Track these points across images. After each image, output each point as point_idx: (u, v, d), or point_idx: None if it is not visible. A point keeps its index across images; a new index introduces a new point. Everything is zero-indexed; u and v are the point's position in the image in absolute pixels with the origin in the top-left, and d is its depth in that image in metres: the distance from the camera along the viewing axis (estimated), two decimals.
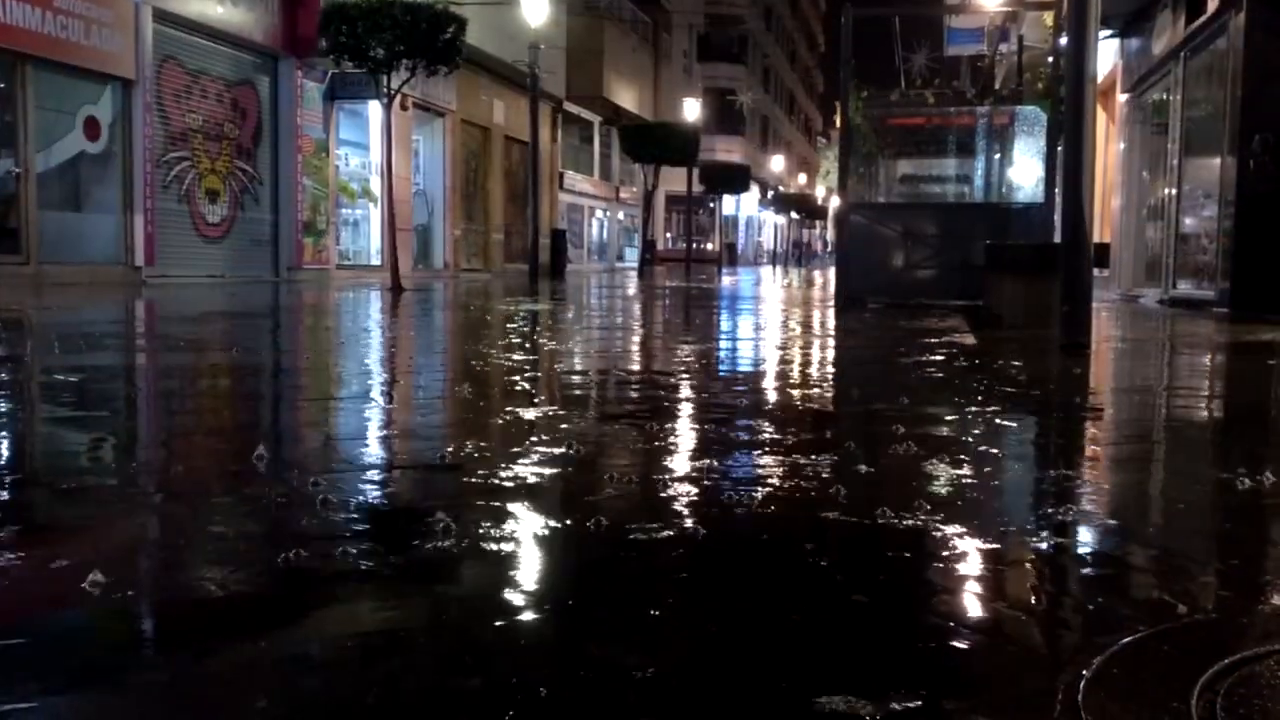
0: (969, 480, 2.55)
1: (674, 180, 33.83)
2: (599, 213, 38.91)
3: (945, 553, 1.98)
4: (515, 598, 1.67)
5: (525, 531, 2.05)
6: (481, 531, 2.02)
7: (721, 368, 5.60)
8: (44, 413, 3.71)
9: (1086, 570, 1.93)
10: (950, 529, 2.11)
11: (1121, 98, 15.68)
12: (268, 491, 2.38)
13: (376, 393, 4.27)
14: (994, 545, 2.04)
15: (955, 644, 1.51)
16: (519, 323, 8.62)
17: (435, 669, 1.41)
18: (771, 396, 4.40)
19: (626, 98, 34.58)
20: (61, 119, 14.01)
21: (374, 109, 19.36)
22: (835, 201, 20.57)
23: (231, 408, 4.19)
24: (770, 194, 58.58)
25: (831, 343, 7.59)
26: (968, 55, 27.00)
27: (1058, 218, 8.11)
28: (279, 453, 2.95)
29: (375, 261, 21.03)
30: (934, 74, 25.00)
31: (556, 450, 2.86)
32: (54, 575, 1.79)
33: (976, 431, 3.34)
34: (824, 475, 2.59)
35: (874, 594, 1.72)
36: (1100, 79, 8.30)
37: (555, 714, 1.27)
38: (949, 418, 3.57)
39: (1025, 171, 12.13)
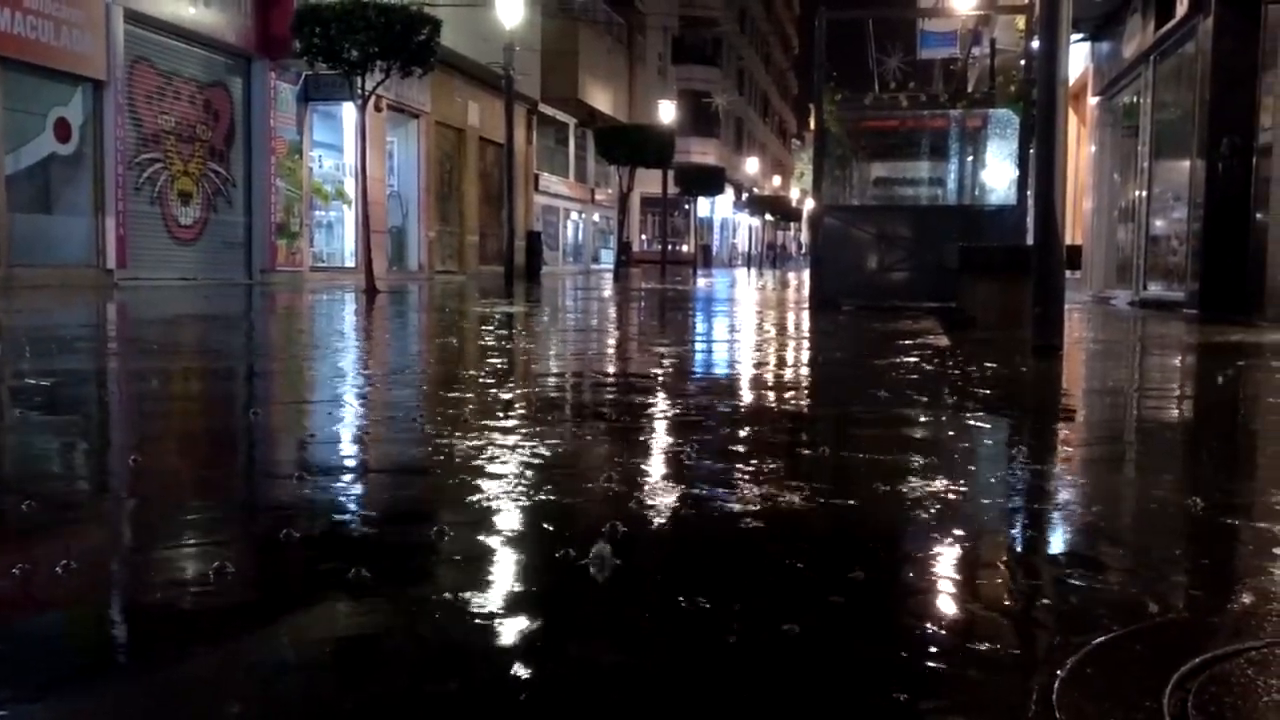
0: (940, 480, 2.56)
1: (649, 182, 33.84)
2: (574, 215, 38.88)
3: (918, 553, 1.99)
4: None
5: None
6: (456, 528, 2.02)
7: (696, 371, 5.60)
8: (12, 417, 3.68)
9: (1059, 570, 1.95)
10: (922, 529, 2.13)
11: (1092, 101, 15.82)
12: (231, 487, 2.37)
13: (347, 396, 4.26)
14: (967, 546, 2.05)
15: (930, 644, 1.52)
16: (494, 325, 8.60)
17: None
18: (746, 398, 4.41)
19: (601, 100, 34.54)
20: (31, 120, 13.87)
21: (348, 111, 19.28)
22: (809, 204, 20.64)
23: (199, 411, 4.16)
24: (745, 196, 58.70)
25: (806, 345, 7.61)
26: (941, 59, 27.14)
27: (1030, 220, 8.17)
28: (249, 453, 2.93)
29: (349, 263, 20.92)
30: (907, 77, 25.08)
31: (528, 451, 2.85)
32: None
33: (949, 433, 3.37)
34: (797, 475, 2.60)
35: (849, 594, 1.73)
36: (1071, 82, 8.38)
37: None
38: (922, 419, 3.59)
39: (998, 174, 12.20)
